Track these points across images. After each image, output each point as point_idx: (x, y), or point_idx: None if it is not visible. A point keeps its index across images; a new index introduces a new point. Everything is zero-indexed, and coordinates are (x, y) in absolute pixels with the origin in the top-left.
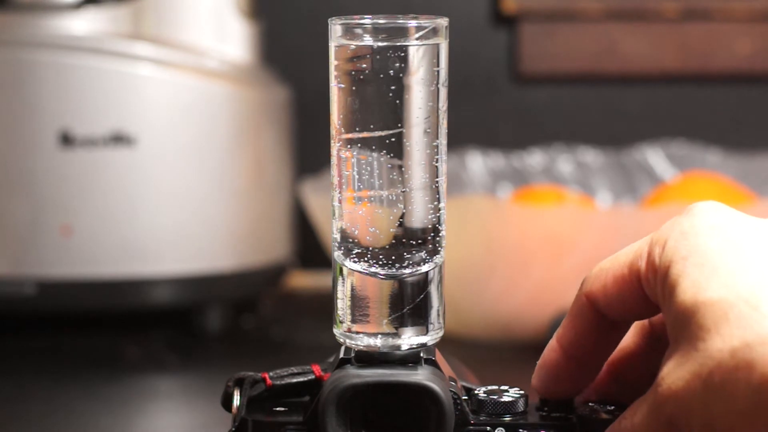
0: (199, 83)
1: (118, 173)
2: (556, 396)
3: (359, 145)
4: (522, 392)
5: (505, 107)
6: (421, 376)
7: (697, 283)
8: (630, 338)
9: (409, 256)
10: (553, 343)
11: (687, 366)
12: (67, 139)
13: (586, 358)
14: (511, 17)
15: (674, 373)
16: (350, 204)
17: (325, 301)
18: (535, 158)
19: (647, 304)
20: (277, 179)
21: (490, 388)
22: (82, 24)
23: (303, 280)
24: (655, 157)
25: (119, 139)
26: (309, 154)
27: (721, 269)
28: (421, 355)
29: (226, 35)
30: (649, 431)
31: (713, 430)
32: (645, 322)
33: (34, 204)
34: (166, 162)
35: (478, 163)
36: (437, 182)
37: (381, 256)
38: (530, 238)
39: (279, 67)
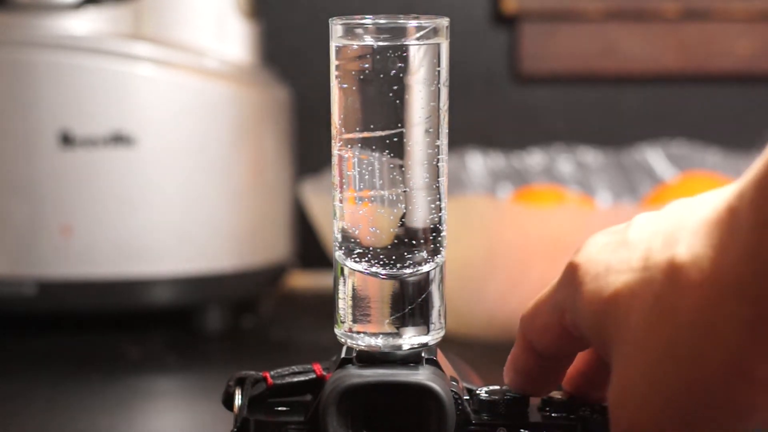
0: (199, 83)
1: (118, 173)
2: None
3: (360, 145)
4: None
5: (505, 107)
6: (422, 376)
7: (596, 290)
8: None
9: (410, 256)
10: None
11: (619, 363)
12: (67, 139)
13: (541, 379)
14: (511, 17)
15: (613, 380)
16: (351, 204)
17: (325, 301)
18: (535, 158)
19: (578, 342)
20: (277, 179)
21: (491, 388)
22: (82, 24)
23: (303, 280)
24: (655, 157)
25: (119, 139)
26: (309, 154)
27: (611, 263)
28: (423, 355)
29: (226, 35)
30: None
31: (671, 400)
32: None
33: (34, 204)
34: (166, 162)
35: (478, 163)
36: (438, 182)
37: (382, 256)
38: (530, 238)
39: (279, 67)
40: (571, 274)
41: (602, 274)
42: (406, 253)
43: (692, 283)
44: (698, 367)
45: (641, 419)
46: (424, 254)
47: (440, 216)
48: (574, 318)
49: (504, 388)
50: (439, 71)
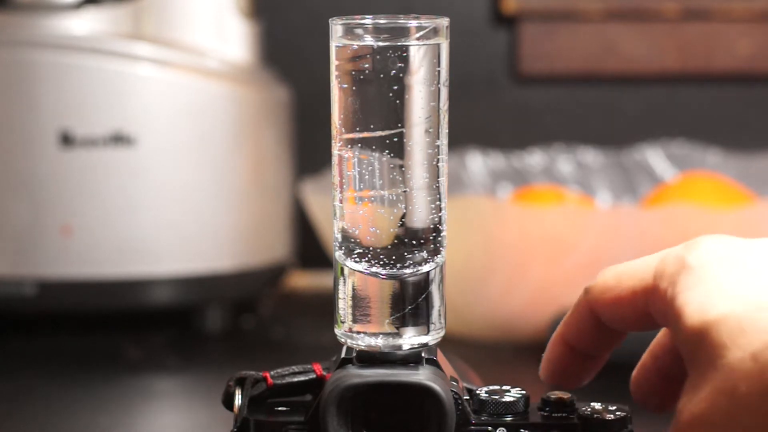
0: (199, 83)
1: (118, 173)
2: (566, 386)
3: (360, 145)
4: (523, 392)
5: (505, 107)
6: (422, 376)
7: (702, 304)
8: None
9: (410, 256)
10: (557, 338)
11: (708, 387)
12: (67, 139)
13: (592, 352)
14: (511, 17)
15: (695, 397)
16: (351, 204)
17: (325, 301)
18: (535, 158)
19: (651, 323)
20: (277, 179)
21: (491, 388)
22: (82, 24)
23: (303, 280)
24: (655, 157)
25: (119, 139)
26: (309, 154)
27: (725, 285)
28: (423, 355)
29: (226, 35)
30: None
31: None
32: None
33: (34, 204)
34: (166, 162)
35: (478, 163)
36: (438, 182)
37: (382, 256)
38: (530, 238)
39: (279, 67)
40: (680, 270)
41: (712, 292)
42: (406, 253)
43: None
44: None
45: None
46: (424, 254)
47: (440, 216)
48: (667, 315)
49: (504, 388)
50: (439, 71)
